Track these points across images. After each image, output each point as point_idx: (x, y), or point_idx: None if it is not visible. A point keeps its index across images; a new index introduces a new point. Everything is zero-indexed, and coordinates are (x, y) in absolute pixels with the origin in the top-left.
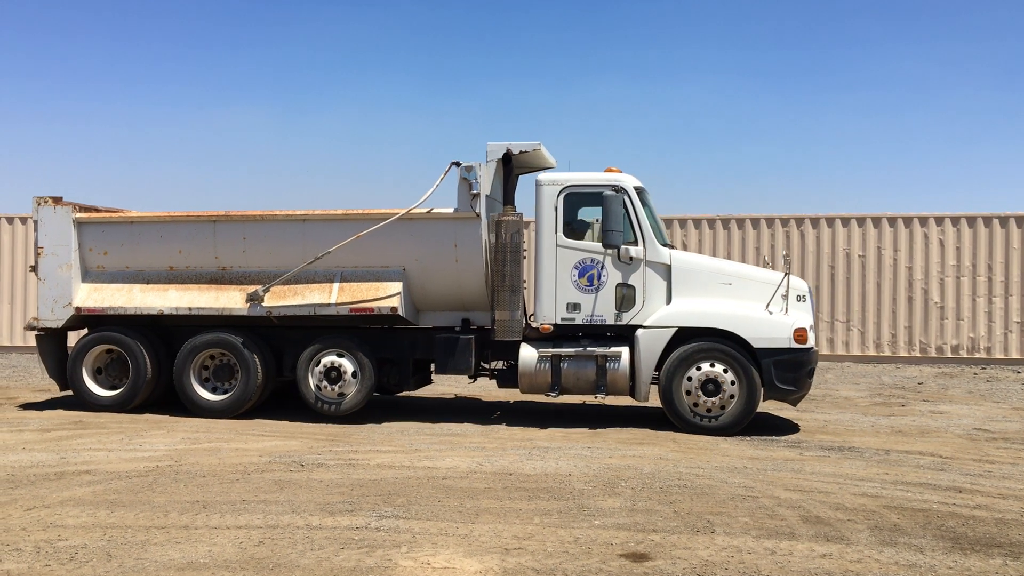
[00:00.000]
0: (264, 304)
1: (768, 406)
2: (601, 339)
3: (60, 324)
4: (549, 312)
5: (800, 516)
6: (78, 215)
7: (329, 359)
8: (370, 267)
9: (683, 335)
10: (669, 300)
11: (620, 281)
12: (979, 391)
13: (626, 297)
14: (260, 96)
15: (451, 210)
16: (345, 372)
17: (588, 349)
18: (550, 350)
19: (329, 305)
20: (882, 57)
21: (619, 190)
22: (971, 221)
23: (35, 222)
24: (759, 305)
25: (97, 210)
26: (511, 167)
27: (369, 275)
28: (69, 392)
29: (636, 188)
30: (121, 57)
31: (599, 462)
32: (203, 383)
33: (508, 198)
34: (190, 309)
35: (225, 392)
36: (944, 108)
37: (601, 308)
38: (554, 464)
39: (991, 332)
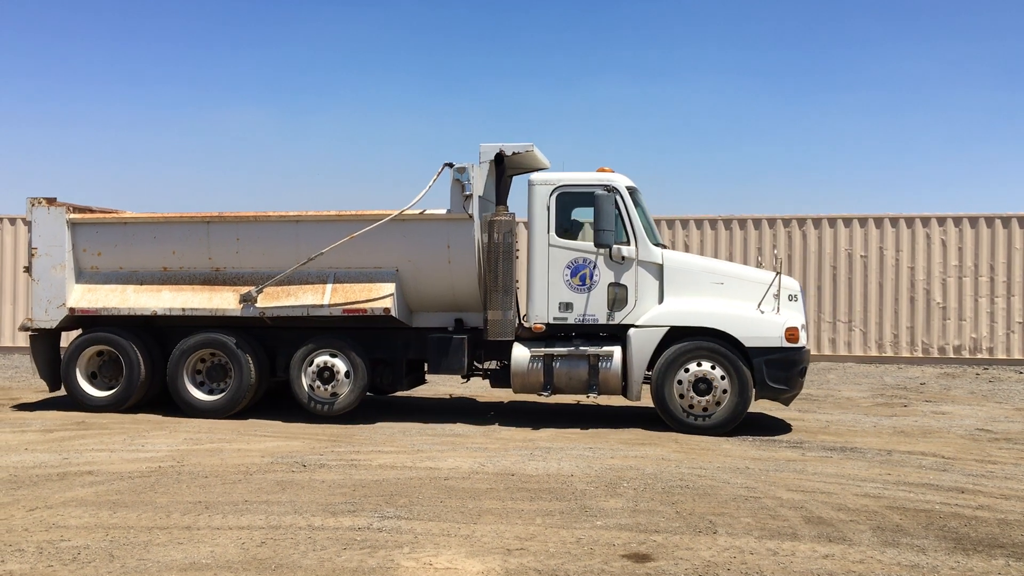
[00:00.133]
0: (257, 305)
1: (769, 407)
2: (593, 339)
3: (54, 325)
4: (541, 312)
5: (802, 517)
6: (72, 216)
7: (322, 359)
8: (363, 268)
9: (675, 334)
10: (661, 299)
11: (612, 281)
12: (981, 391)
13: (618, 297)
14: (260, 96)
15: (444, 211)
16: (338, 372)
17: (580, 349)
18: (542, 350)
19: (322, 306)
20: (882, 57)
21: (611, 190)
22: (973, 221)
23: (29, 223)
24: (751, 304)
25: (91, 211)
26: (504, 168)
27: (362, 276)
28: (60, 393)
29: (628, 188)
30: (120, 57)
31: (601, 462)
32: (197, 384)
33: (501, 199)
34: (184, 310)
35: (219, 392)
36: (944, 108)
37: (593, 308)
38: (556, 465)
39: (993, 332)
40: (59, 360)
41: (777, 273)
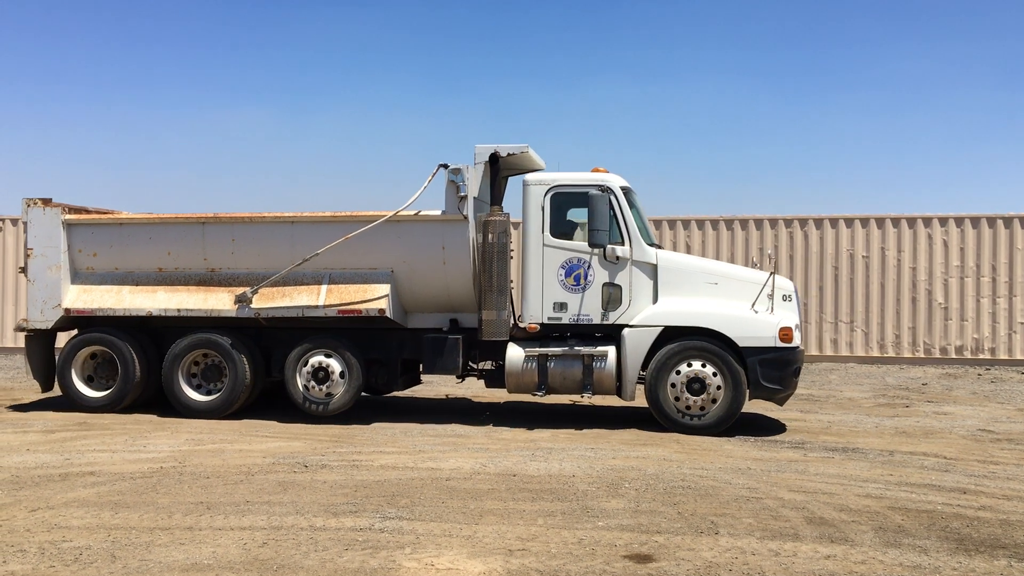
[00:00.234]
0: (253, 306)
1: (770, 407)
2: (588, 338)
3: (49, 325)
4: (536, 312)
5: (804, 517)
6: (67, 216)
7: (317, 359)
8: (358, 269)
9: (669, 334)
10: (655, 299)
11: (607, 281)
12: (983, 392)
13: (612, 296)
14: (260, 97)
15: (439, 212)
16: (333, 372)
17: (575, 348)
18: (537, 350)
19: (317, 307)
20: (882, 57)
21: (605, 190)
22: (975, 222)
23: (24, 223)
24: (745, 304)
25: (87, 211)
26: (499, 169)
27: (357, 277)
28: (55, 393)
29: (623, 188)
30: (120, 57)
31: (602, 463)
32: (192, 384)
33: (496, 200)
34: (179, 310)
35: (214, 393)
36: (944, 108)
37: (588, 307)
38: (558, 465)
39: (995, 333)
40: (54, 361)
41: (771, 273)
